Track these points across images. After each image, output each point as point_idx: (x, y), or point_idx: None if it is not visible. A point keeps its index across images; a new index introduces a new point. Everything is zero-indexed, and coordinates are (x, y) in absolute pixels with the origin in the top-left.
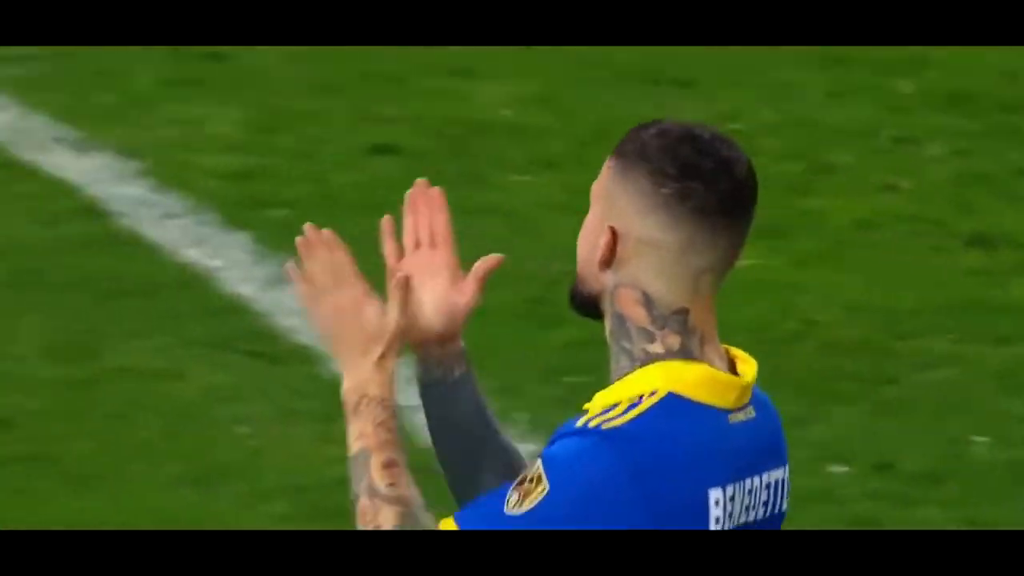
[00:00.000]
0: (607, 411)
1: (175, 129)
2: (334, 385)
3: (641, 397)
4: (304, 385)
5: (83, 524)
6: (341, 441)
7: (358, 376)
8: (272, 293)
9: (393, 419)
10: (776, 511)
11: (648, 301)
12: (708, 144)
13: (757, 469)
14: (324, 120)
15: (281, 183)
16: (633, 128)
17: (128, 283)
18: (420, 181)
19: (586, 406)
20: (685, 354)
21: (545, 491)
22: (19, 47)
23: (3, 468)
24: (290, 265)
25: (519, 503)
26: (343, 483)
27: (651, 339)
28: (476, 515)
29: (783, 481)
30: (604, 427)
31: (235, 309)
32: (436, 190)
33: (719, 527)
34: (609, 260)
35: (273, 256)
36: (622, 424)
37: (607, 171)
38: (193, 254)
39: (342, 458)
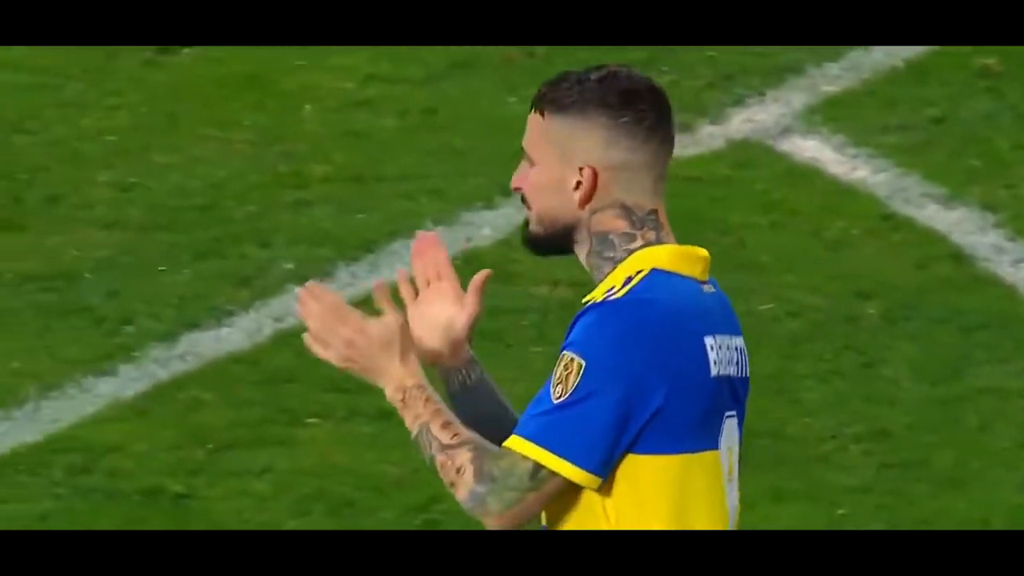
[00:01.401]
0: (608, 292)
1: None
2: None
3: (630, 277)
4: None
5: (944, 524)
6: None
7: (393, 379)
8: None
9: (435, 395)
10: (745, 374)
11: (627, 211)
12: (630, 76)
13: (727, 330)
14: None
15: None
16: (548, 86)
17: (987, 317)
18: (420, 232)
19: (587, 298)
20: (659, 243)
21: (582, 367)
22: (900, 118)
23: (883, 472)
24: (306, 336)
25: (563, 392)
26: None
27: (632, 239)
28: (532, 422)
29: (743, 349)
30: (609, 300)
31: None
32: (432, 235)
33: (716, 370)
34: (591, 195)
35: None
36: (622, 295)
37: (550, 124)
38: None
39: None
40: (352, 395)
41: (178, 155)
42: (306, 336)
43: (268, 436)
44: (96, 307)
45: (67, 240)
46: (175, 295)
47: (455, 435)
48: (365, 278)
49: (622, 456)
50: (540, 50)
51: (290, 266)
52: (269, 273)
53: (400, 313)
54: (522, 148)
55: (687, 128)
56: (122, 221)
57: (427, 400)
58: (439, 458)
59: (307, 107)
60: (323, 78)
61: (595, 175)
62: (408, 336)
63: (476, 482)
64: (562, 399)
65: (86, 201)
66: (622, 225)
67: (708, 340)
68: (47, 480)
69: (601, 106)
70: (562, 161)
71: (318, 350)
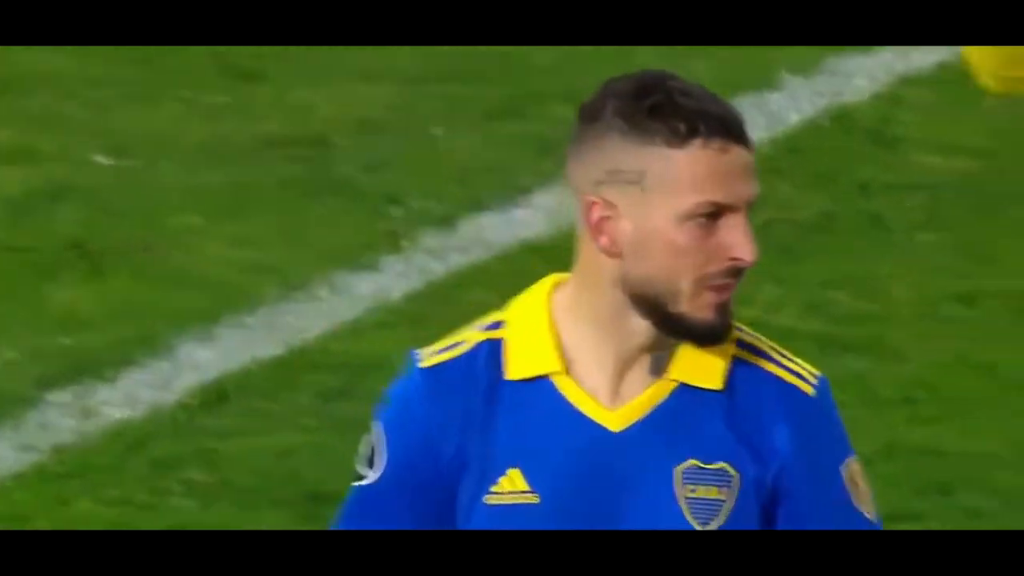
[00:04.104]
0: (792, 370)
1: None
2: None
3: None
4: None
5: None
6: None
7: None
8: None
9: None
10: None
11: None
12: None
13: None
14: None
15: None
16: (734, 110)
17: None
18: None
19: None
20: None
21: (861, 464)
22: None
23: None
24: None
25: (867, 500)
26: None
27: None
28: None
29: None
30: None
31: None
32: None
33: None
34: None
35: None
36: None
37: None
38: None
39: None
40: None
41: None
42: None
43: None
44: (354, 182)
45: (317, 95)
46: (456, 166)
47: None
48: None
49: None
50: None
51: None
52: None
53: None
54: (750, 199)
55: None
56: (390, 71)
57: None
58: None
59: None
60: None
61: None
62: None
63: None
64: (875, 514)
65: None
66: None
67: None
68: (291, 406)
69: None
70: None
71: None
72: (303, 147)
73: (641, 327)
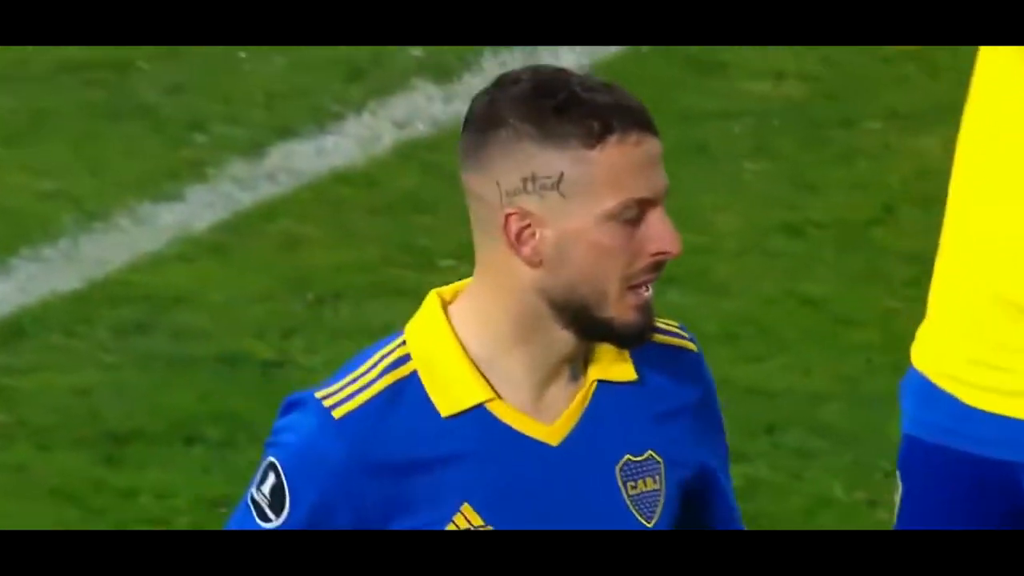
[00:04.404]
0: (678, 332)
1: None
2: None
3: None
4: None
5: None
6: None
7: None
8: None
9: None
10: None
11: None
12: None
13: None
14: None
15: None
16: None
17: None
18: None
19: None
20: None
21: None
22: None
23: None
24: None
25: None
26: None
27: None
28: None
29: None
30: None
31: None
32: None
33: None
34: None
35: None
36: None
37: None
38: None
39: None
40: None
41: None
42: None
43: (389, 283)
44: (156, 107)
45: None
46: (262, 91)
47: None
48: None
49: None
50: None
51: (418, 53)
52: (390, 63)
53: None
54: (666, 189)
55: None
56: None
57: None
58: None
59: None
60: None
61: None
62: None
63: None
64: None
65: None
66: None
67: None
68: (90, 342)
69: None
70: None
71: None
72: (103, 71)
73: (563, 337)
